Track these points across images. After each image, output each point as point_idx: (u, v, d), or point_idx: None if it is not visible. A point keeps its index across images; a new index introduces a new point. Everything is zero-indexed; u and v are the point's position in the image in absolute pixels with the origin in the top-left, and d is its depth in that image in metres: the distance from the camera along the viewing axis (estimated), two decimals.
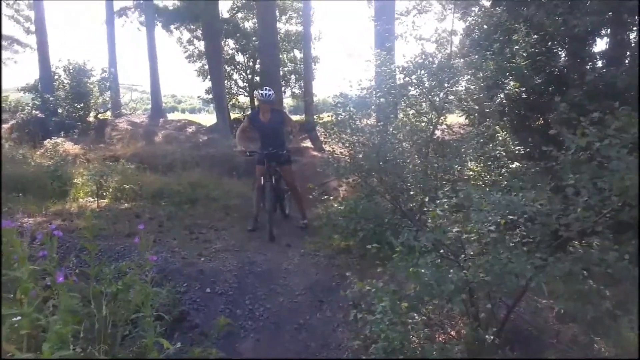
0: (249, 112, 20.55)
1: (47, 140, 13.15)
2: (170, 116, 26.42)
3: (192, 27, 20.78)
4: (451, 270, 3.45)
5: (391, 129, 6.43)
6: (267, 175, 7.17)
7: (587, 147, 3.29)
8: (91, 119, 17.58)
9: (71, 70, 17.35)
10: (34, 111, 17.66)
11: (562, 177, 3.49)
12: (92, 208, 8.03)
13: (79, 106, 16.84)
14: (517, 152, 6.22)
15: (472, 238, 3.61)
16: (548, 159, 3.76)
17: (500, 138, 6.26)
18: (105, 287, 3.31)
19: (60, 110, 16.70)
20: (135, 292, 3.21)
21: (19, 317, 2.45)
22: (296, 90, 22.20)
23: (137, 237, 3.61)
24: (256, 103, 22.15)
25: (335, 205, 6.94)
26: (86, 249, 3.56)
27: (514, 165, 5.46)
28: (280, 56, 19.05)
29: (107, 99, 19.37)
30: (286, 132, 7.65)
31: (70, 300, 2.69)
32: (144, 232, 3.66)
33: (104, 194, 8.83)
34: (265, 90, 7.27)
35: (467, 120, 7.03)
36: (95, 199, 8.61)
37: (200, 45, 21.09)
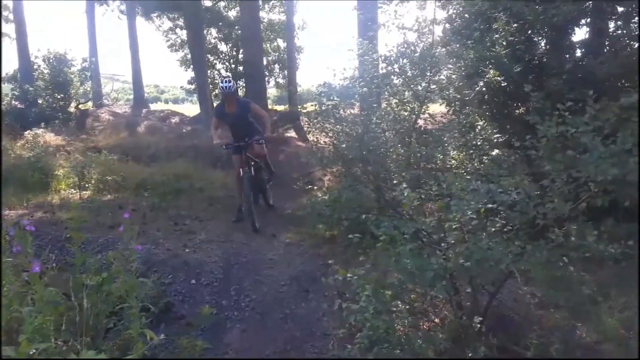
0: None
1: (27, 131, 12.95)
2: (153, 106, 26.20)
3: (173, 15, 20.52)
4: (432, 258, 3.51)
5: (374, 119, 6.46)
6: (245, 166, 7.17)
7: (561, 135, 3.35)
8: (72, 109, 17.33)
9: (51, 60, 17.04)
10: (13, 102, 17.37)
11: (539, 165, 3.56)
12: (74, 200, 7.96)
13: (59, 96, 16.58)
14: (496, 140, 6.30)
15: (453, 226, 3.66)
16: (526, 148, 3.82)
17: (480, 126, 6.33)
18: (89, 278, 3.31)
19: (40, 101, 16.44)
20: (120, 283, 3.22)
21: None
22: (280, 80, 22.08)
23: (121, 227, 3.61)
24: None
25: (320, 195, 6.98)
26: (71, 240, 3.56)
27: (494, 153, 5.54)
28: (264, 45, 18.93)
29: (88, 89, 19.09)
30: (261, 125, 7.58)
31: (44, 291, 2.68)
32: (129, 222, 3.67)
33: (86, 185, 8.76)
34: (225, 82, 7.18)
35: (447, 108, 7.08)
36: (78, 190, 8.54)
37: (183, 34, 20.85)
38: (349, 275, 3.63)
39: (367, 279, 3.55)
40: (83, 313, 2.88)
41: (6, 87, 19.65)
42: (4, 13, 23.70)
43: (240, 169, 7.21)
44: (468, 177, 5.08)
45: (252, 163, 7.24)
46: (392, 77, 6.78)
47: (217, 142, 7.38)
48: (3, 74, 19.03)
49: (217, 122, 7.43)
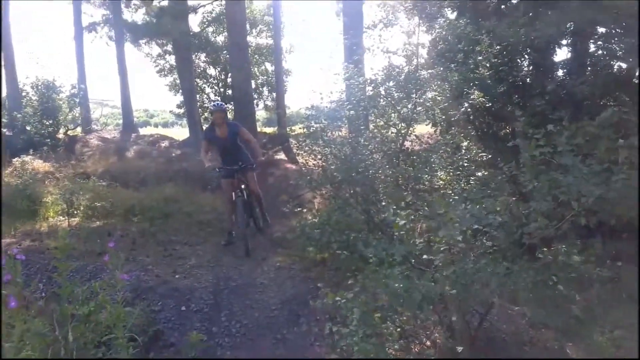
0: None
1: (16, 158, 12.86)
2: (143, 131, 26.08)
3: (162, 41, 20.65)
4: (420, 281, 3.52)
5: (362, 140, 6.52)
6: (237, 190, 7.17)
7: (542, 157, 3.41)
8: (61, 135, 17.24)
9: (39, 87, 17.02)
10: (1, 129, 17.27)
11: (524, 186, 3.61)
12: (62, 227, 7.90)
13: (48, 123, 16.48)
14: (481, 160, 6.37)
15: (441, 249, 3.69)
16: (511, 168, 3.89)
17: (465, 147, 6.41)
18: (76, 308, 3.28)
19: (28, 128, 16.34)
20: (106, 313, 3.19)
21: None
22: (269, 103, 22.21)
23: (107, 256, 3.59)
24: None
25: (309, 217, 6.99)
26: (57, 269, 3.53)
27: (479, 174, 5.60)
28: (252, 69, 19.07)
29: (77, 114, 19.02)
30: (250, 150, 7.54)
31: (31, 323, 2.65)
32: (115, 250, 3.65)
33: (75, 212, 8.69)
34: (217, 101, 7.64)
35: (433, 129, 7.17)
36: (66, 217, 8.47)
37: (171, 59, 20.96)
38: (337, 298, 3.63)
39: (356, 302, 3.54)
40: (68, 345, 2.84)
41: None
42: None
43: (233, 193, 7.19)
44: (455, 197, 5.13)
45: (243, 187, 7.20)
46: (379, 99, 6.86)
47: (208, 165, 7.30)
48: None
49: (207, 146, 7.35)
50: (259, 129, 18.72)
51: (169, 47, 20.55)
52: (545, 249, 3.90)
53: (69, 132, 17.93)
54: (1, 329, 2.49)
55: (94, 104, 24.96)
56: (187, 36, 16.98)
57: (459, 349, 3.42)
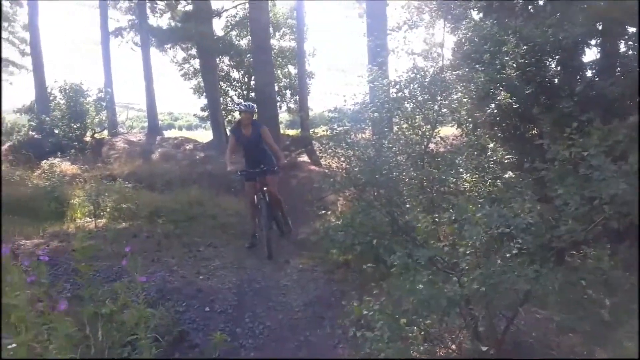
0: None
1: (44, 161, 13.15)
2: (167, 133, 26.43)
3: (186, 45, 20.89)
4: (446, 285, 3.47)
5: (386, 143, 6.47)
6: (260, 193, 7.19)
7: (572, 158, 3.34)
8: (88, 138, 17.58)
9: (67, 91, 17.37)
10: (30, 132, 17.67)
11: (551, 188, 3.54)
12: (89, 228, 8.02)
13: (75, 126, 16.84)
14: (508, 162, 6.27)
15: (467, 252, 3.63)
16: (538, 170, 3.81)
17: (491, 149, 6.31)
18: (99, 308, 3.32)
19: (56, 131, 16.69)
20: (129, 314, 3.22)
21: (14, 345, 2.45)
22: (292, 105, 22.29)
23: (124, 260, 3.63)
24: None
25: (333, 219, 6.96)
26: (80, 271, 3.58)
27: (506, 176, 5.51)
28: (275, 72, 19.16)
29: (104, 118, 19.37)
30: (273, 152, 7.52)
31: (66, 327, 2.69)
32: (133, 254, 3.69)
33: (102, 213, 8.83)
34: (245, 102, 7.71)
35: (458, 130, 7.09)
36: (93, 219, 8.60)
37: (196, 63, 21.19)
38: (364, 311, 3.60)
39: (382, 315, 3.50)
40: (98, 344, 2.88)
41: (23, 118, 20.00)
42: (21, 47, 24.33)
43: (255, 196, 7.26)
44: (481, 199, 5.05)
45: (265, 189, 7.17)
46: (403, 101, 6.80)
47: (230, 168, 7.39)
48: (20, 106, 19.42)
49: (234, 143, 7.44)
50: (282, 132, 18.80)
51: (194, 51, 20.77)
52: (574, 253, 3.81)
53: (95, 135, 18.27)
54: (1, 326, 2.52)
55: (120, 107, 25.43)
56: (211, 40, 17.14)
57: (486, 351, 3.37)
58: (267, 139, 7.36)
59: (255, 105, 7.55)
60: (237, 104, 8.22)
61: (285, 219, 7.92)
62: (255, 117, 7.57)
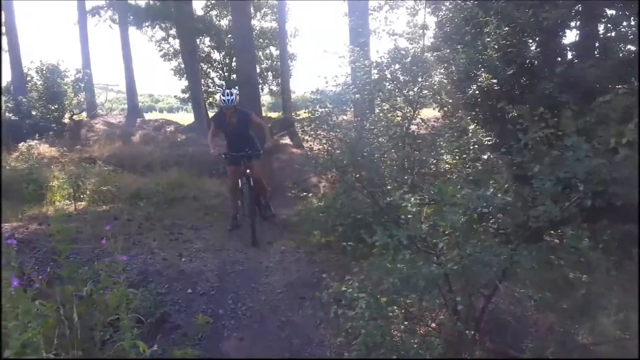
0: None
1: (22, 143, 12.91)
2: (148, 116, 26.15)
3: (165, 25, 20.55)
4: (425, 265, 3.51)
5: (367, 125, 6.48)
6: (243, 177, 7.06)
7: (547, 138, 3.38)
8: (66, 120, 17.29)
9: (44, 71, 17.02)
10: (6, 114, 17.32)
11: (528, 168, 3.58)
12: (69, 211, 7.94)
13: (53, 108, 16.53)
14: (488, 143, 6.33)
15: (446, 232, 3.67)
16: (514, 151, 3.85)
17: (471, 130, 6.36)
18: (79, 289, 3.30)
19: (34, 113, 16.38)
20: (110, 295, 3.21)
21: None
22: (274, 87, 22.14)
23: (104, 239, 3.61)
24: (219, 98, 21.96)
25: (315, 201, 6.98)
26: (59, 253, 3.55)
27: (485, 157, 5.56)
28: (257, 53, 18.97)
29: (82, 99, 19.05)
30: (260, 136, 7.46)
31: (32, 305, 2.67)
32: (113, 234, 3.66)
33: (81, 196, 8.73)
34: (226, 95, 6.86)
35: (440, 112, 7.13)
36: (73, 201, 8.51)
37: (175, 43, 20.89)
38: (344, 288, 3.63)
39: (362, 289, 3.54)
40: (73, 325, 2.86)
41: None
42: None
43: (239, 180, 7.16)
44: (460, 181, 5.10)
45: (249, 172, 7.01)
46: (385, 82, 6.80)
47: (214, 151, 7.27)
48: None
49: (215, 130, 7.35)
50: (264, 114, 18.68)
51: (173, 31, 20.46)
52: (551, 232, 3.88)
53: (74, 117, 17.97)
54: (1, 327, 2.51)
55: (98, 89, 25.01)
56: (191, 20, 16.86)
57: (464, 328, 3.43)
58: (257, 123, 7.39)
59: (236, 95, 6.97)
60: (219, 100, 7.06)
61: (267, 203, 7.78)
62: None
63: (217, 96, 6.63)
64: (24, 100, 16.63)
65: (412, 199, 3.80)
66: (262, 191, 7.53)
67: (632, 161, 3.19)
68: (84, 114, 19.53)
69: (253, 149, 7.11)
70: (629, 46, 6.97)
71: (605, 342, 3.72)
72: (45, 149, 13.17)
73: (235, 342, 4.64)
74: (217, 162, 10.19)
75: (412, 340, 3.44)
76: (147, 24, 20.28)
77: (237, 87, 16.36)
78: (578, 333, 3.94)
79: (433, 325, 4.07)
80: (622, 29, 6.99)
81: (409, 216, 3.80)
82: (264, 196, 7.64)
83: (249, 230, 6.75)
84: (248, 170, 7.00)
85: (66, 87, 17.21)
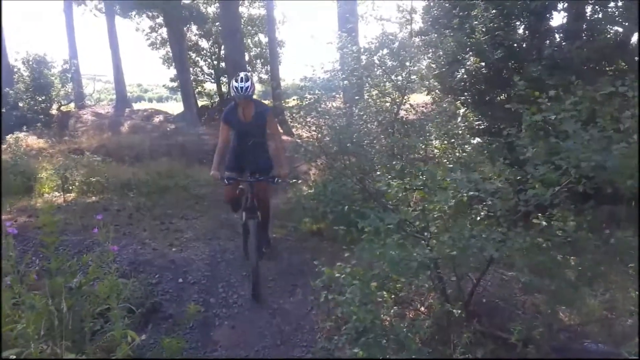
0: (222, 109, 19.11)
1: (9, 135, 12.78)
2: (137, 106, 25.96)
3: (152, 13, 20.30)
4: (416, 249, 3.53)
5: (356, 110, 6.46)
6: (251, 210, 5.22)
7: (543, 122, 3.38)
8: (54, 111, 17.15)
9: (31, 62, 16.84)
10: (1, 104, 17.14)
11: (521, 152, 3.59)
12: (58, 203, 7.89)
13: (40, 99, 16.40)
14: (478, 127, 6.34)
15: (436, 215, 3.68)
16: (508, 135, 3.86)
17: (461, 114, 6.37)
18: (67, 280, 3.28)
19: (21, 104, 16.23)
20: (100, 285, 3.20)
21: None
22: (263, 75, 21.98)
23: (95, 228, 3.58)
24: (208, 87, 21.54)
25: (305, 188, 6.98)
26: (48, 245, 3.53)
27: (475, 141, 5.57)
28: (245, 41, 18.81)
29: (70, 90, 18.88)
30: (276, 157, 5.63)
31: (25, 296, 2.66)
32: (104, 223, 3.64)
33: (70, 187, 8.68)
34: (240, 81, 5.09)
35: (429, 96, 7.12)
36: (62, 193, 8.45)
37: (163, 32, 20.65)
38: (336, 274, 3.63)
39: (353, 274, 3.55)
40: (62, 316, 2.86)
41: None
42: None
43: (243, 213, 5.39)
44: (450, 165, 5.11)
45: (254, 196, 5.26)
46: (373, 68, 6.77)
47: (214, 172, 5.28)
48: None
49: (226, 134, 5.43)
50: None
51: (160, 20, 20.23)
52: (540, 215, 3.89)
53: (62, 108, 17.82)
54: (1, 327, 2.49)
55: (86, 79, 24.76)
56: (178, 7, 16.68)
57: (453, 312, 3.46)
58: (272, 130, 5.53)
59: (251, 86, 5.17)
60: (231, 87, 5.28)
61: (267, 235, 6.02)
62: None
63: (231, 83, 5.16)
64: (11, 92, 16.45)
65: (395, 183, 3.81)
66: (266, 219, 5.82)
67: (627, 151, 3.19)
68: (72, 105, 19.35)
69: (266, 167, 5.47)
70: (615, 27, 6.98)
71: (591, 322, 3.76)
72: (33, 140, 13.08)
73: (227, 330, 4.64)
74: (207, 151, 10.16)
75: (402, 324, 3.45)
76: (133, 12, 20.01)
77: (226, 76, 15.93)
78: (565, 314, 3.99)
79: (422, 309, 4.10)
80: (609, 10, 6.99)
81: (395, 201, 3.81)
82: (265, 226, 5.90)
83: (252, 280, 5.05)
84: (255, 196, 5.28)
85: (53, 78, 17.07)
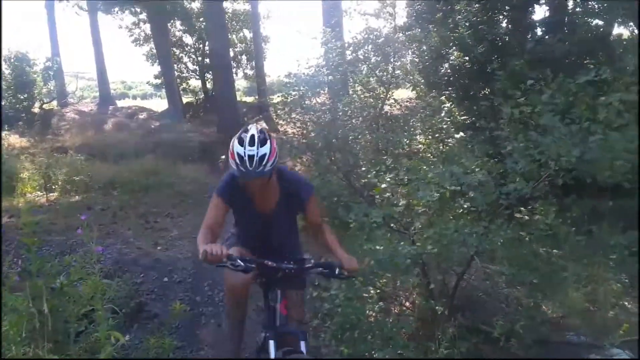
0: (207, 106, 18.66)
1: None
2: (120, 103, 25.67)
3: (135, 9, 20.10)
4: (402, 243, 3.54)
5: (341, 106, 6.47)
6: (288, 335, 2.81)
7: (523, 115, 3.41)
8: (36, 110, 16.92)
9: (12, 60, 16.59)
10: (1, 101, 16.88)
11: (503, 146, 3.62)
12: (40, 202, 7.80)
13: (22, 97, 16.17)
14: (462, 122, 6.38)
15: (420, 210, 3.70)
16: (490, 129, 3.89)
17: (446, 109, 6.41)
18: (49, 282, 3.24)
19: (2, 103, 15.97)
20: (83, 286, 3.16)
21: None
22: (248, 71, 21.86)
23: (79, 229, 3.54)
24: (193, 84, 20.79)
25: None
26: (29, 246, 3.48)
27: (458, 136, 5.61)
28: (230, 36, 18.70)
29: (52, 88, 18.65)
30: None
31: (14, 300, 2.63)
32: (88, 223, 3.60)
33: (53, 187, 8.58)
34: (251, 144, 2.60)
35: (413, 92, 7.15)
36: (44, 192, 8.35)
37: (147, 28, 20.46)
38: None
39: None
40: (44, 318, 2.82)
41: None
42: None
43: (269, 340, 2.69)
44: (434, 159, 5.13)
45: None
46: (358, 63, 6.78)
47: (210, 247, 2.61)
48: None
49: (221, 214, 3.02)
50: (238, 98, 18.51)
51: (144, 15, 20.03)
52: (522, 209, 3.94)
53: (44, 106, 17.59)
54: (0, 328, 2.46)
55: (69, 77, 24.45)
56: (162, 3, 16.53)
57: (438, 306, 3.49)
58: (315, 219, 3.18)
59: (270, 147, 2.63)
60: (236, 157, 2.58)
61: None
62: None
63: (232, 143, 2.64)
64: None
65: (384, 178, 3.83)
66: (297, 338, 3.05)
67: (604, 142, 3.23)
68: (55, 103, 19.11)
69: (297, 259, 3.01)
70: (596, 21, 7.05)
71: (573, 314, 3.81)
72: (15, 139, 12.90)
73: (214, 329, 4.63)
74: (192, 148, 10.10)
75: (387, 320, 3.47)
76: (116, 8, 19.80)
77: (211, 72, 15.58)
78: (547, 306, 4.03)
79: (407, 304, 4.12)
80: (589, 4, 7.06)
81: (385, 195, 3.83)
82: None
83: None
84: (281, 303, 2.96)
85: (35, 75, 16.82)
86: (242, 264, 2.62)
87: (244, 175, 2.62)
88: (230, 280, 3.12)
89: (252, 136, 2.59)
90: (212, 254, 2.55)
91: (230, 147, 2.63)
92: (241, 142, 2.59)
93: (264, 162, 2.58)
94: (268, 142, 2.61)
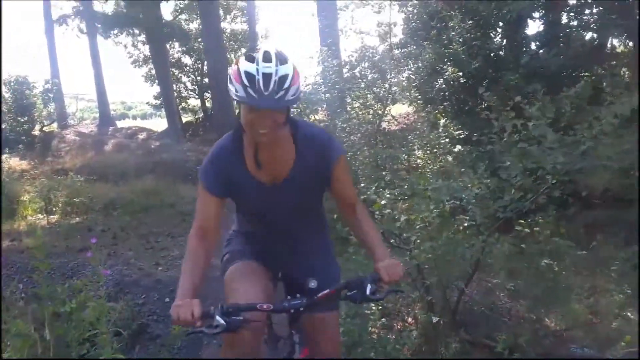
0: (207, 124, 18.73)
1: None
2: (120, 123, 25.78)
3: (134, 31, 20.29)
4: (402, 259, 3.55)
5: (339, 123, 6.51)
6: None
7: (516, 129, 3.44)
8: (36, 132, 17.00)
9: (12, 84, 16.72)
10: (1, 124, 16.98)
11: (499, 160, 3.65)
12: (41, 225, 7.81)
13: (22, 120, 16.27)
14: (458, 136, 6.42)
15: (418, 226, 3.71)
16: (485, 143, 3.92)
17: (442, 124, 6.46)
18: (58, 307, 3.25)
19: (3, 126, 16.08)
20: (89, 310, 3.17)
21: None
22: None
23: (89, 252, 3.55)
24: (193, 103, 21.31)
25: None
26: (37, 269, 3.49)
27: (456, 150, 5.64)
28: (228, 56, 18.85)
29: (52, 110, 18.77)
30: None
31: (17, 325, 2.64)
32: (97, 246, 3.62)
33: (54, 209, 8.60)
34: (266, 60, 1.72)
35: (410, 107, 7.21)
36: (45, 215, 8.37)
37: (145, 49, 20.63)
38: None
39: None
40: (47, 344, 2.83)
41: None
42: None
43: None
44: (433, 174, 5.16)
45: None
46: (355, 81, 6.86)
47: (181, 307, 1.80)
48: None
49: (214, 211, 2.05)
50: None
51: (143, 37, 20.23)
52: (522, 222, 3.94)
53: (44, 129, 17.67)
54: (1, 329, 2.47)
55: (69, 98, 24.63)
56: (159, 25, 16.71)
57: (439, 321, 3.48)
58: (346, 192, 2.07)
59: (293, 71, 1.74)
60: (244, 76, 1.70)
61: None
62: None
63: (237, 66, 1.76)
64: None
65: (386, 193, 3.84)
66: None
67: (596, 152, 3.27)
68: (55, 125, 19.20)
69: (325, 272, 2.15)
70: (590, 34, 7.13)
71: (576, 326, 3.80)
72: (15, 162, 12.96)
73: (215, 348, 4.60)
74: (192, 167, 10.13)
75: (389, 336, 3.46)
76: (115, 31, 20.00)
77: (209, 91, 15.62)
78: (550, 319, 4.02)
79: (409, 320, 4.10)
80: (584, 17, 7.14)
81: (385, 212, 3.84)
82: None
83: None
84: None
85: (35, 98, 16.94)
86: (223, 322, 1.76)
87: (255, 102, 1.71)
88: (228, 343, 2.09)
89: (267, 52, 1.75)
90: (180, 318, 1.75)
91: (233, 68, 1.81)
92: (251, 59, 1.75)
93: (285, 87, 1.70)
94: (289, 62, 1.77)
